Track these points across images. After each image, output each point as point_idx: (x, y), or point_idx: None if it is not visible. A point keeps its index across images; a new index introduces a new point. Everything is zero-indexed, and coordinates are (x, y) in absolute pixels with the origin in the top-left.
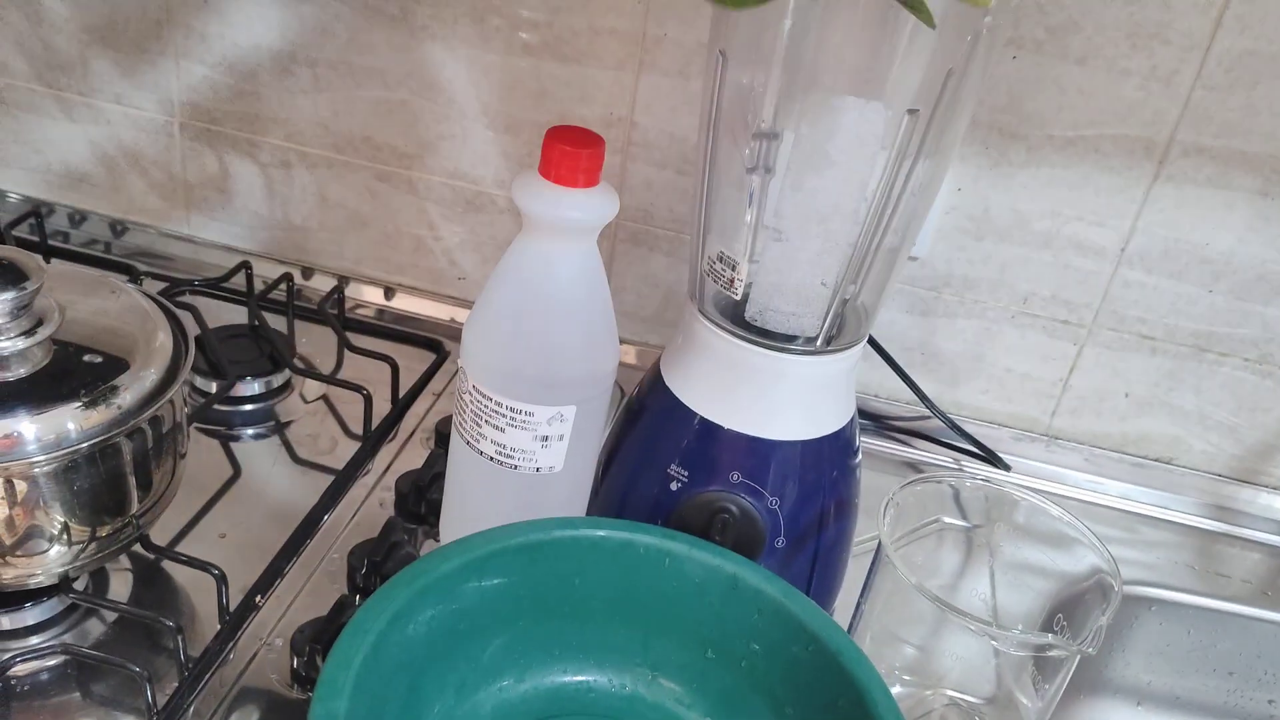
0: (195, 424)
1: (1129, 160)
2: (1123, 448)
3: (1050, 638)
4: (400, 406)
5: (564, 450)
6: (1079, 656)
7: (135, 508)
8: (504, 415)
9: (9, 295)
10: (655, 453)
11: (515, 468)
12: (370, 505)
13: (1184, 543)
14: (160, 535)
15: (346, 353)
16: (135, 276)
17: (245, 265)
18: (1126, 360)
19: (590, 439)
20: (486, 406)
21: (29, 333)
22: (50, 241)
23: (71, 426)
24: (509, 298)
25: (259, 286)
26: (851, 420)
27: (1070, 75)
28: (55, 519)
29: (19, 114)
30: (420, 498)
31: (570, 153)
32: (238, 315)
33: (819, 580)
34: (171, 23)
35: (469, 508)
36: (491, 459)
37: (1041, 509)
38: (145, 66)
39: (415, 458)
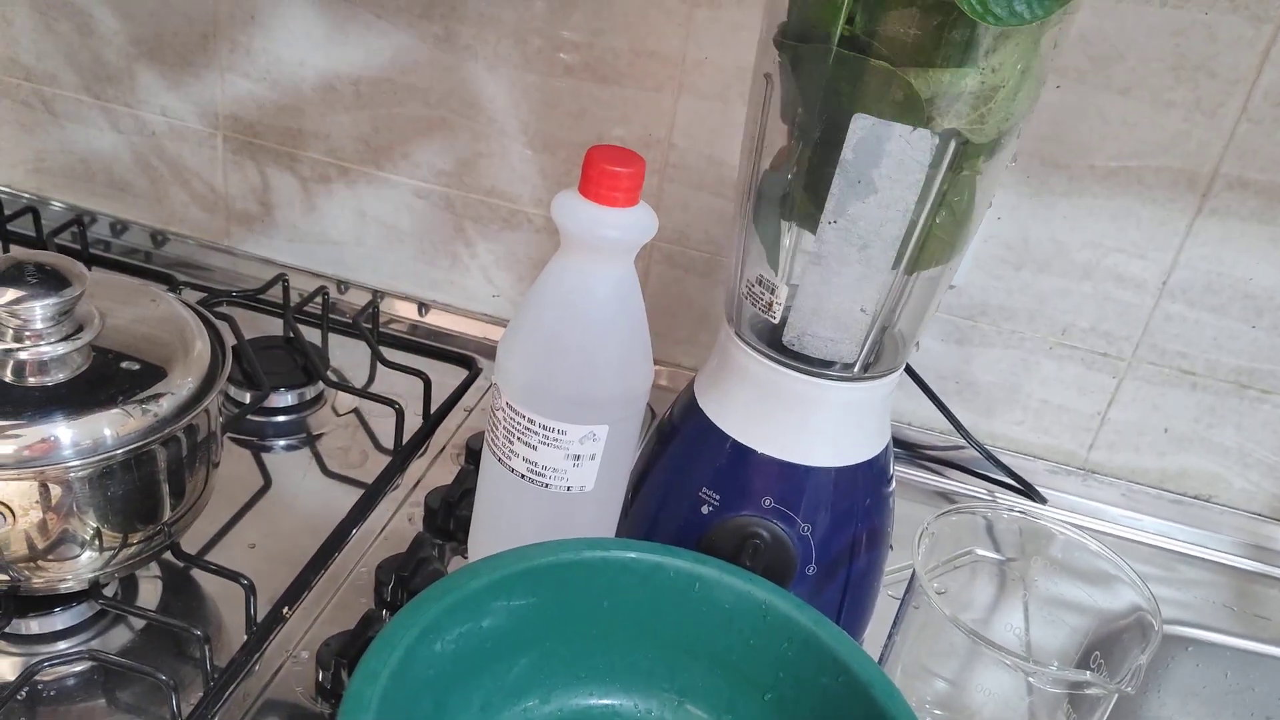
0: (228, 433)
1: (1172, 192)
2: (1161, 484)
3: (1088, 675)
4: (432, 422)
5: (595, 470)
6: (1116, 696)
7: (167, 515)
8: (536, 433)
9: (51, 301)
10: (687, 475)
11: (546, 486)
12: (399, 520)
13: (1222, 582)
14: (190, 543)
15: (379, 367)
16: (174, 286)
17: (282, 278)
18: (1166, 395)
19: (622, 459)
20: (519, 423)
21: (69, 338)
22: (91, 250)
23: (108, 433)
24: (545, 315)
25: (295, 299)
26: (886, 448)
27: (1114, 105)
28: (88, 524)
29: (66, 124)
30: (449, 514)
31: (611, 172)
32: (274, 327)
33: (850, 609)
34: (218, 36)
35: (498, 524)
36: (523, 476)
37: (1080, 544)
38: (190, 79)
39: (445, 473)
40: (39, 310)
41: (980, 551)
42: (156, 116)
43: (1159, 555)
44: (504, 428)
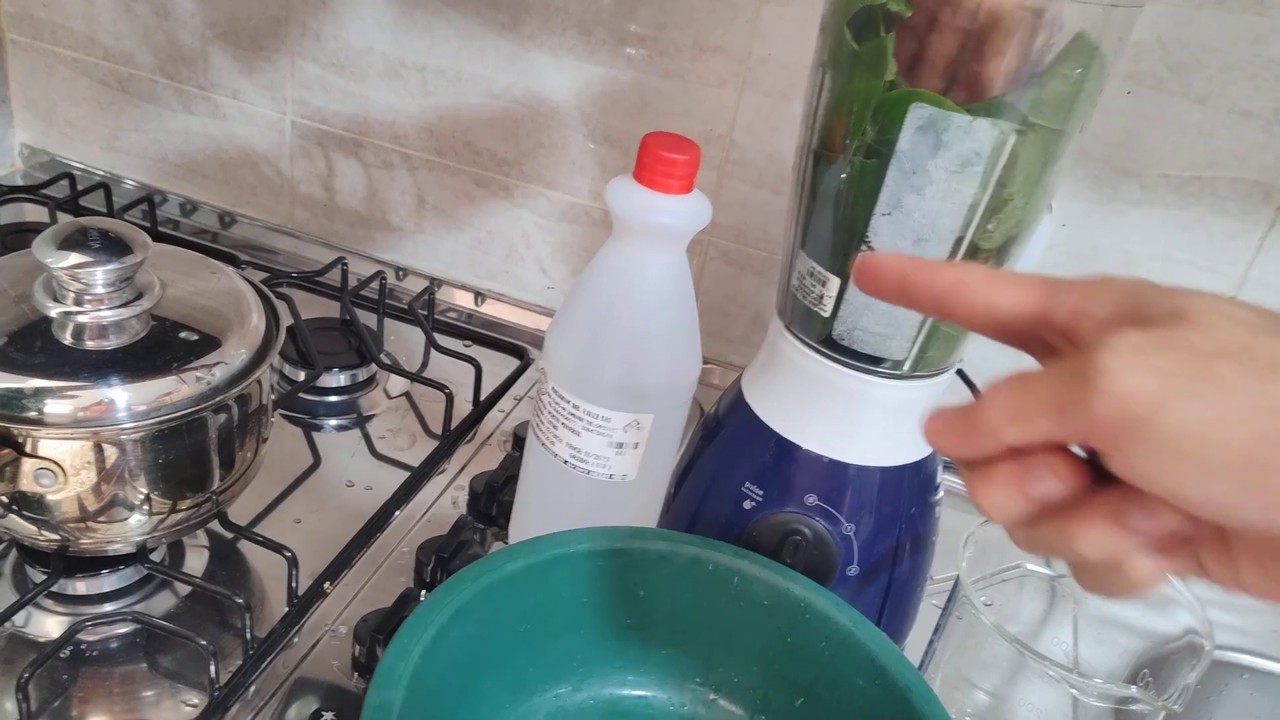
0: (280, 410)
1: (1246, 204)
2: None
3: (1134, 690)
4: (481, 408)
5: (638, 459)
6: (1164, 714)
7: (216, 484)
8: (580, 419)
9: (112, 266)
10: (731, 470)
11: (588, 473)
12: (443, 503)
13: None
14: (238, 515)
15: (432, 353)
16: (238, 266)
17: (341, 261)
18: None
19: (665, 450)
20: (564, 409)
21: (129, 304)
22: (160, 229)
23: (162, 398)
24: (595, 301)
25: (353, 283)
26: (934, 453)
27: (1190, 114)
28: (139, 488)
29: (140, 103)
30: (493, 499)
31: (666, 158)
32: (331, 309)
33: (890, 613)
34: (290, 21)
35: (539, 509)
36: (565, 462)
37: None
38: (262, 63)
39: (491, 459)
40: (100, 275)
41: (1030, 565)
42: (228, 100)
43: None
44: (549, 412)
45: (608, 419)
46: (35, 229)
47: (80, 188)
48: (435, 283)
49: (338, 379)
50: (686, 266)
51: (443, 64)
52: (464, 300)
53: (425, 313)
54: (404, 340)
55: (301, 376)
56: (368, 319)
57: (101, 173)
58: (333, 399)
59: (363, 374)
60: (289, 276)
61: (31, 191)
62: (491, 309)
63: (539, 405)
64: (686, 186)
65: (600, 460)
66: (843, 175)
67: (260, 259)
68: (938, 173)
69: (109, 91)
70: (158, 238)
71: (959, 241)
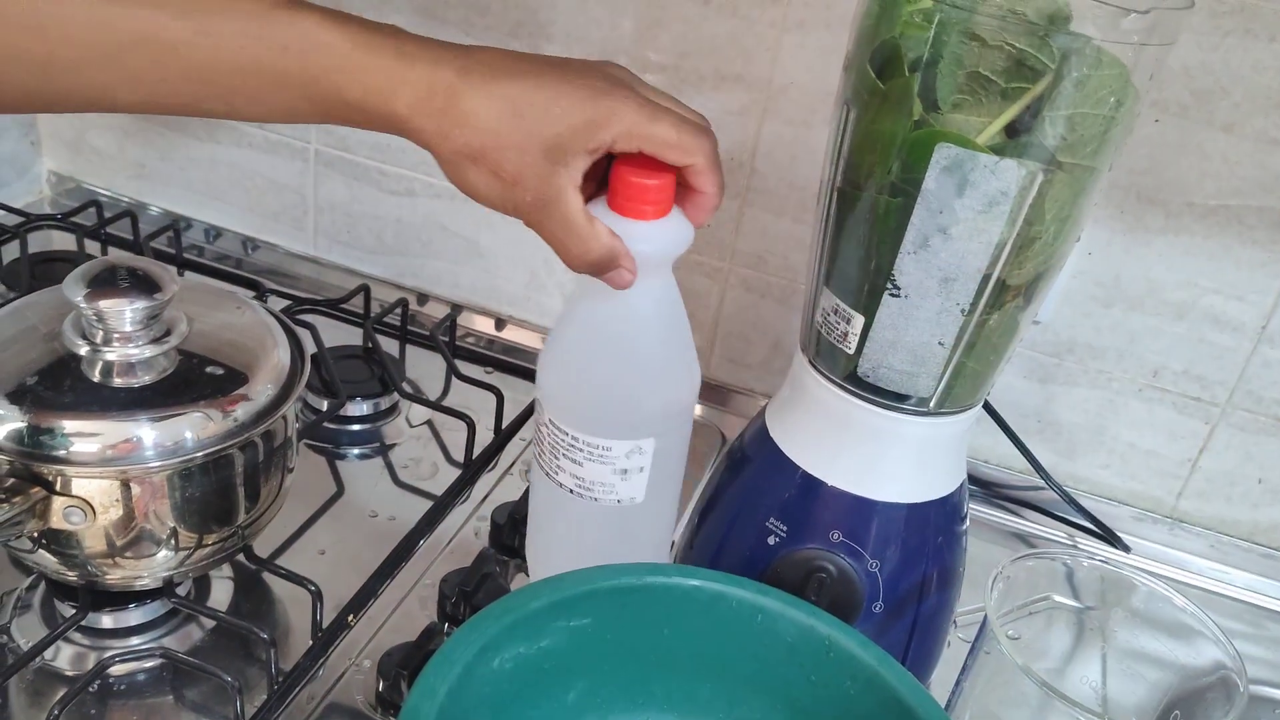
0: (304, 440)
1: (1274, 233)
2: (1252, 536)
3: None
4: (503, 437)
5: (644, 482)
6: None
7: (241, 518)
8: (580, 449)
9: (141, 304)
10: (754, 505)
11: (595, 499)
12: (465, 534)
13: None
14: (263, 546)
15: (454, 380)
16: (261, 293)
17: (364, 288)
18: (1261, 444)
19: (672, 468)
20: (563, 441)
21: (156, 341)
22: (185, 255)
23: (189, 435)
24: (582, 333)
25: (375, 310)
26: (961, 486)
27: (1215, 142)
28: (165, 524)
29: (167, 133)
30: (515, 530)
31: (638, 184)
32: (353, 336)
33: (916, 651)
34: None
35: (551, 537)
36: (571, 491)
37: (1163, 596)
38: None
39: (513, 489)
40: (129, 313)
41: (1058, 598)
42: (254, 129)
43: (1247, 611)
44: (549, 444)
45: (608, 448)
46: (63, 258)
47: (107, 215)
48: (456, 308)
49: (361, 408)
50: (674, 286)
51: None
52: (485, 326)
53: (446, 339)
54: (425, 366)
55: (325, 406)
56: (389, 345)
57: (127, 199)
58: (355, 428)
59: (385, 403)
60: (312, 304)
61: (60, 220)
62: (512, 334)
63: (539, 436)
64: (663, 210)
65: (606, 487)
66: (868, 213)
67: (284, 284)
68: (964, 212)
69: (135, 120)
70: (183, 265)
71: (986, 279)
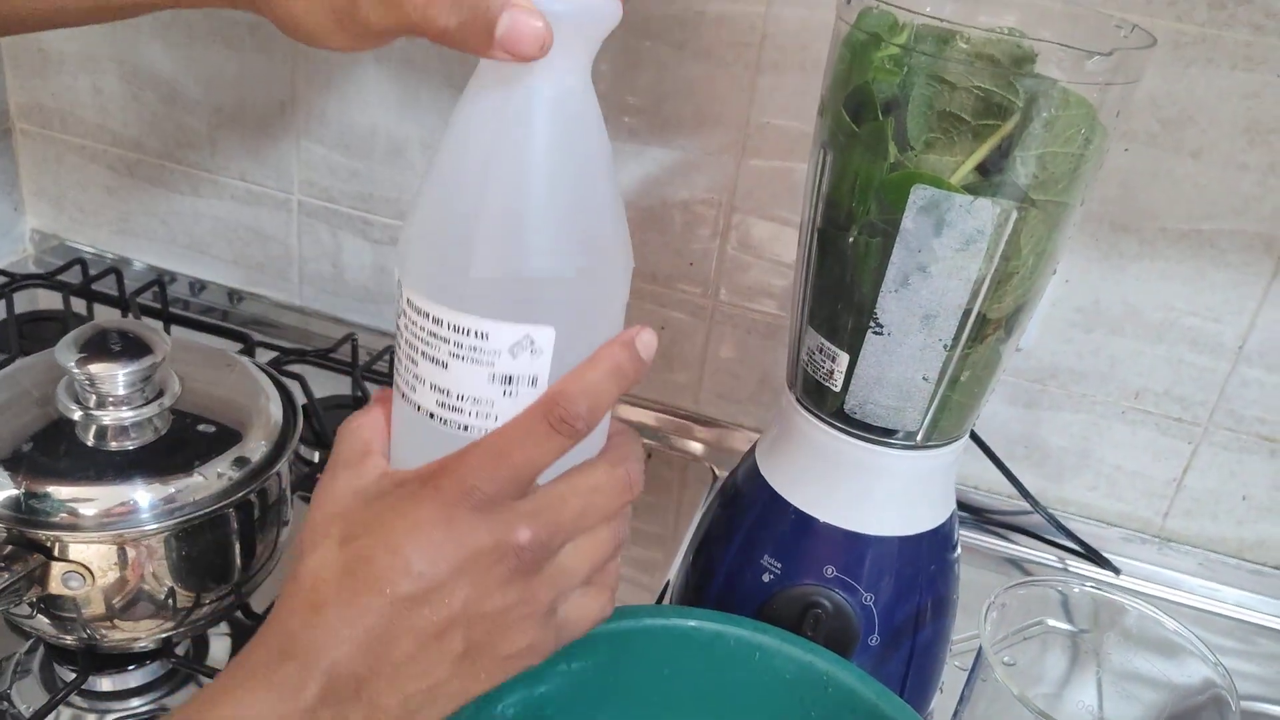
0: (298, 492)
1: (1247, 256)
2: (1240, 553)
3: None
4: None
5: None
6: None
7: (237, 576)
8: (445, 340)
9: (134, 368)
10: (749, 542)
11: (465, 429)
12: None
13: None
14: (259, 601)
15: None
16: (249, 345)
17: (351, 337)
18: (1244, 462)
19: None
20: (422, 330)
21: (150, 403)
22: (171, 309)
23: (184, 497)
24: (460, 156)
25: (363, 358)
26: (951, 515)
27: (1184, 169)
28: (163, 585)
29: (149, 188)
30: None
31: None
32: (342, 384)
33: (914, 681)
34: (295, 104)
35: None
36: (432, 416)
37: (1153, 619)
38: (269, 146)
39: None
40: (121, 378)
41: (1051, 622)
42: (236, 181)
43: (1237, 627)
44: (406, 343)
45: (484, 335)
46: (50, 317)
47: (92, 272)
48: None
49: None
50: (592, 92)
51: None
52: None
53: None
54: None
55: (316, 457)
56: (375, 390)
57: (111, 255)
58: None
59: None
60: (300, 354)
61: (46, 279)
62: None
63: (397, 341)
64: None
65: (480, 406)
66: (848, 253)
67: (270, 335)
68: (943, 250)
69: (118, 177)
70: (169, 320)
71: (967, 314)
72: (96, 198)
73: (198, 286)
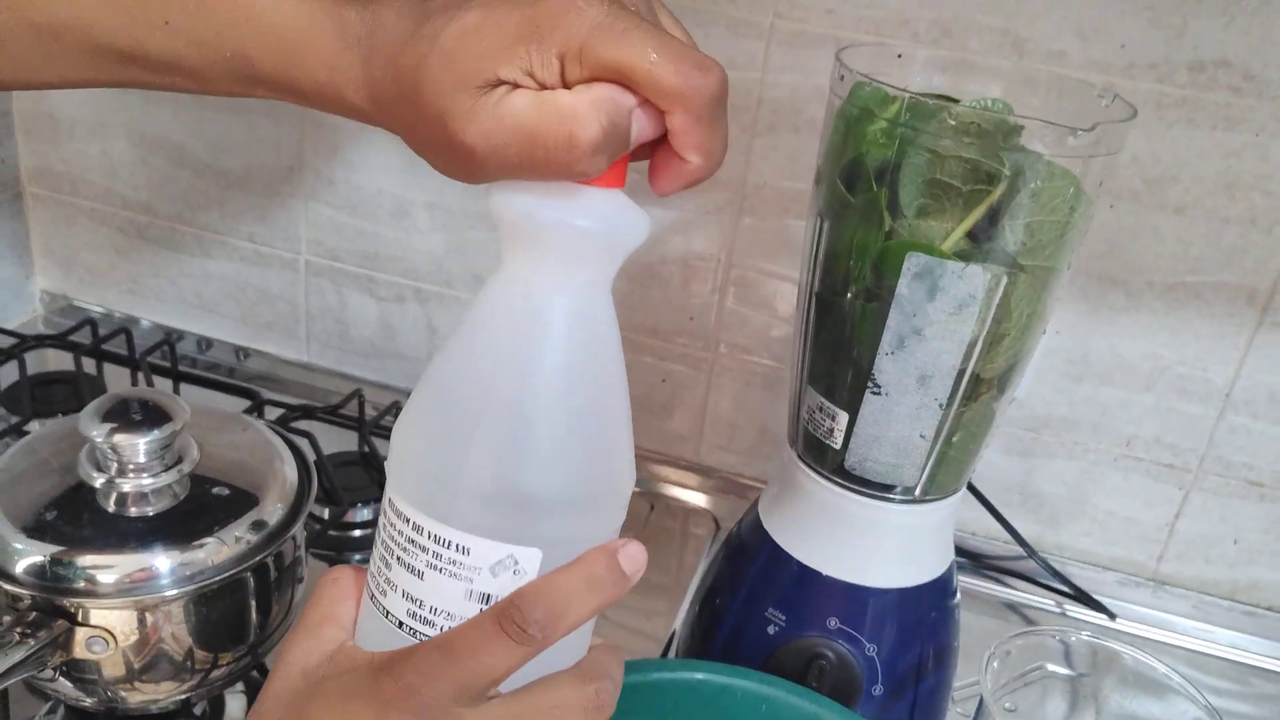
0: (311, 549)
1: (1231, 307)
2: (1233, 595)
3: None
4: None
5: None
6: None
7: (254, 636)
8: (423, 549)
9: (154, 435)
10: (753, 595)
11: None
12: None
13: None
14: (269, 657)
15: None
16: (257, 403)
17: (358, 394)
18: (1234, 506)
19: (571, 637)
20: (400, 534)
21: (169, 469)
22: (180, 366)
23: (203, 562)
24: (466, 361)
25: (370, 414)
26: (950, 566)
27: (1168, 224)
28: (182, 647)
29: (159, 249)
30: None
31: None
32: (348, 439)
33: None
34: (303, 168)
35: None
36: (401, 625)
37: (1147, 664)
38: (277, 208)
39: None
40: (142, 446)
41: (1051, 667)
42: (244, 242)
43: (1232, 668)
44: (382, 544)
45: (465, 550)
46: (60, 379)
47: (102, 332)
48: None
49: (362, 514)
50: (611, 311)
51: (450, 203)
52: None
53: None
54: None
55: (327, 514)
56: (383, 445)
57: (119, 314)
58: (357, 534)
59: None
60: (308, 411)
61: (57, 340)
62: None
63: (375, 537)
64: (616, 176)
65: (453, 622)
66: (845, 317)
67: (276, 390)
68: (936, 314)
69: (127, 239)
70: (179, 378)
71: (961, 374)
72: (106, 259)
73: (205, 344)
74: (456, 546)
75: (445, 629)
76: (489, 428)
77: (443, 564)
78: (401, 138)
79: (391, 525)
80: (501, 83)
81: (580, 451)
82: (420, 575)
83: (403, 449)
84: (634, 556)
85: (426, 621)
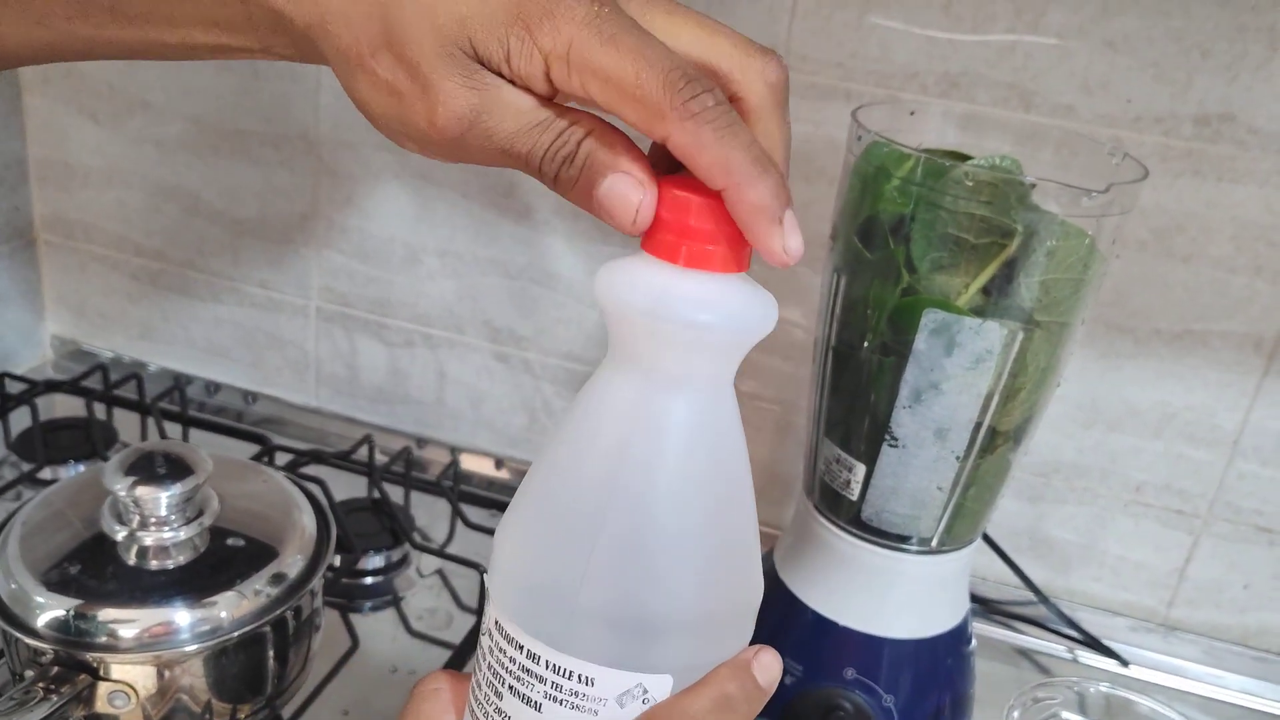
0: (326, 598)
1: (1238, 355)
2: (1244, 640)
3: None
4: None
5: None
6: None
7: (270, 689)
8: (540, 680)
9: (177, 489)
10: (769, 644)
11: None
12: None
13: None
14: (287, 708)
15: (460, 525)
16: (268, 448)
17: (368, 439)
18: (1244, 552)
19: None
20: (512, 661)
21: (190, 522)
22: (189, 411)
23: (223, 615)
24: (575, 475)
25: (380, 459)
26: (966, 615)
27: (1175, 273)
28: (200, 701)
29: (171, 295)
30: None
31: (701, 204)
32: (357, 484)
33: None
34: (316, 216)
35: None
36: None
37: (1161, 714)
38: (290, 255)
39: None
40: (164, 499)
41: (1066, 715)
42: (256, 289)
43: (1245, 715)
44: (489, 668)
45: (589, 681)
46: (72, 424)
47: (113, 378)
48: (456, 452)
49: (374, 561)
50: (736, 407)
51: (461, 249)
52: (484, 467)
53: (451, 484)
54: (428, 510)
55: (338, 562)
56: (393, 491)
57: (129, 359)
58: (369, 581)
59: (396, 555)
60: (318, 456)
61: (70, 386)
62: (513, 475)
63: (477, 656)
64: (737, 260)
65: None
66: (862, 371)
67: (284, 434)
68: (953, 369)
69: (140, 285)
70: (188, 423)
71: (978, 427)
72: (118, 305)
73: (213, 388)
74: (579, 678)
75: None
76: (610, 542)
77: (563, 695)
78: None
79: (501, 651)
80: (479, 59)
81: (708, 565)
82: (538, 708)
83: (508, 564)
84: (768, 667)
85: None
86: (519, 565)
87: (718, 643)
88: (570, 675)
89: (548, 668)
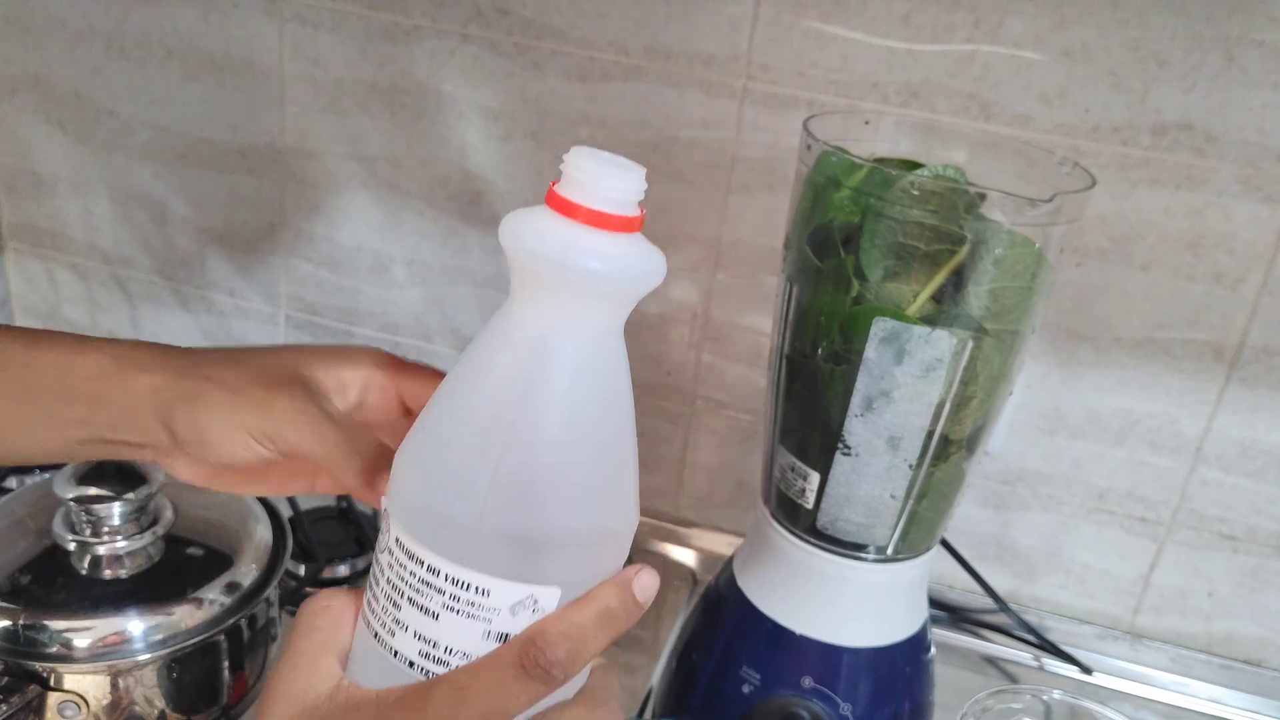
0: (285, 607)
1: (1199, 363)
2: (1209, 648)
3: None
4: None
5: None
6: None
7: (226, 698)
8: (439, 591)
9: (130, 497)
10: (727, 653)
11: None
12: None
13: None
14: (242, 718)
15: None
16: None
17: None
18: (1208, 559)
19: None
20: (412, 575)
21: (143, 531)
22: None
23: (176, 625)
24: (475, 398)
25: None
26: (924, 623)
27: (1135, 281)
28: (154, 709)
29: (138, 303)
30: None
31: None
32: (326, 495)
33: None
34: (284, 225)
35: None
36: (412, 665)
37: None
38: (257, 264)
39: None
40: (117, 509)
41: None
42: (224, 297)
43: None
44: (388, 581)
45: (485, 592)
46: None
47: None
48: None
49: (339, 570)
50: (623, 352)
51: (428, 258)
52: None
53: None
54: None
55: (303, 570)
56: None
57: None
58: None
59: (361, 563)
60: None
61: None
62: None
63: (375, 571)
64: (630, 221)
65: (469, 662)
66: (815, 379)
67: None
68: (904, 378)
69: (108, 293)
70: None
71: (930, 435)
72: (86, 313)
73: None
74: (476, 589)
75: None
76: (509, 469)
77: (461, 605)
78: None
79: (401, 566)
80: None
81: (597, 487)
82: (435, 616)
83: (408, 486)
84: (647, 585)
85: (440, 662)
86: (422, 487)
87: (599, 560)
88: (468, 587)
89: (447, 580)
